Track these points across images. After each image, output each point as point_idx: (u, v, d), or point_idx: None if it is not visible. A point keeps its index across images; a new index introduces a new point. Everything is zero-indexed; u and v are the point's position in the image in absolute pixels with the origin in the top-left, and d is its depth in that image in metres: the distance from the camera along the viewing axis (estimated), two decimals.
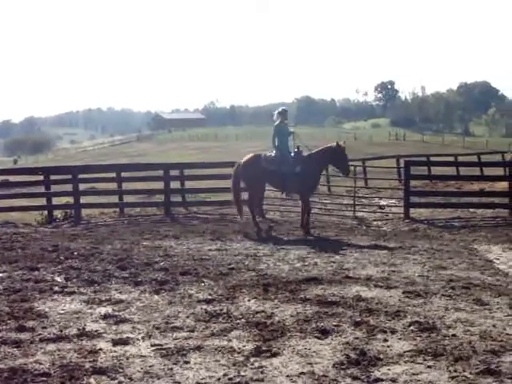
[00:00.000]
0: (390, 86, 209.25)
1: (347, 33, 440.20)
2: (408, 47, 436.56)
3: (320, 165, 16.01)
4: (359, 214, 19.82)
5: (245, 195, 16.62)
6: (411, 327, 7.11)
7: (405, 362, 5.99)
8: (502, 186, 22.47)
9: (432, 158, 34.10)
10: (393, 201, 22.38)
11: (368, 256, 11.94)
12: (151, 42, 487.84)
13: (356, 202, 21.13)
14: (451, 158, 35.68)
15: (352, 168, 23.00)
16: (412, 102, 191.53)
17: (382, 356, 6.14)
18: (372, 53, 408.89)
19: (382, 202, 22.83)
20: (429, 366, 5.87)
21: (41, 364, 5.95)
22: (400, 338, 6.73)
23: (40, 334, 6.94)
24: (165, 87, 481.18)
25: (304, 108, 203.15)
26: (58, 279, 9.92)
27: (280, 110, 16.11)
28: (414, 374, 5.68)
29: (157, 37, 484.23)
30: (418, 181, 25.99)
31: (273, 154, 15.66)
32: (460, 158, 36.02)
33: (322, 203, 22.09)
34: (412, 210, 18.72)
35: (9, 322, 7.45)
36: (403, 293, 8.78)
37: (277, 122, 15.83)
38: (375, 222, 18.22)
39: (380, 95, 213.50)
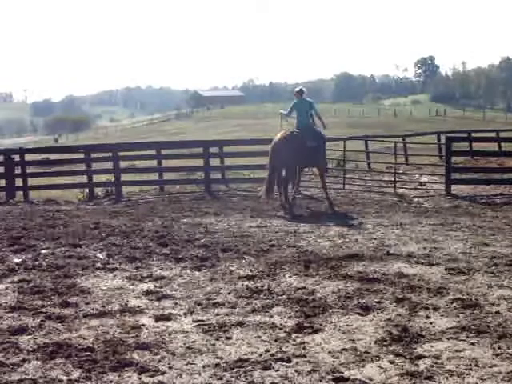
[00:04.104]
0: (430, 62, 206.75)
1: (387, 8, 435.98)
2: (449, 22, 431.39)
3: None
4: (400, 191, 19.66)
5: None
6: (454, 304, 7.05)
7: (448, 339, 5.94)
8: None
9: (473, 134, 33.55)
10: (434, 177, 22.12)
11: (409, 233, 11.85)
12: (190, 20, 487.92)
13: (396, 179, 20.96)
14: (493, 134, 35.16)
15: (392, 144, 22.98)
16: (453, 77, 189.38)
17: (424, 333, 6.10)
18: (412, 28, 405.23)
19: (423, 179, 22.58)
20: (472, 343, 5.82)
21: (85, 339, 6.01)
22: (442, 315, 6.67)
23: (83, 310, 7.01)
24: (204, 65, 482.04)
25: (343, 84, 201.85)
26: (100, 256, 10.01)
27: (297, 89, 16.25)
28: (457, 351, 5.63)
29: (196, 16, 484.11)
30: (459, 157, 25.68)
31: (296, 131, 15.63)
32: (502, 134, 35.42)
33: (362, 180, 21.98)
34: (453, 187, 18.57)
35: (53, 297, 7.54)
36: (445, 269, 8.71)
37: (295, 101, 15.99)
38: (416, 199, 18.07)
39: (420, 71, 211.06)
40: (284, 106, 17.46)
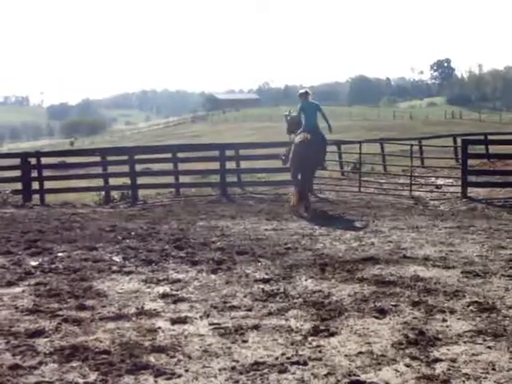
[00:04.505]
0: (446, 64, 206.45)
1: (403, 10, 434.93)
2: (465, 24, 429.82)
3: None
4: (416, 194, 19.63)
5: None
6: (470, 307, 7.01)
7: (464, 343, 5.90)
8: None
9: (490, 137, 33.40)
10: (450, 180, 22.08)
11: (425, 236, 11.81)
12: (207, 23, 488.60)
13: (412, 182, 20.91)
14: (510, 137, 34.99)
15: (408, 147, 22.95)
16: (469, 80, 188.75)
17: (440, 336, 6.07)
18: (428, 30, 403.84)
19: (439, 182, 22.55)
20: (489, 347, 5.78)
21: (101, 342, 6.01)
22: (459, 318, 6.64)
23: (100, 313, 7.01)
24: (220, 68, 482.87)
25: (358, 87, 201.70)
26: (116, 259, 10.02)
27: (303, 91, 16.20)
28: (473, 355, 5.59)
29: (213, 18, 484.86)
30: (475, 160, 25.56)
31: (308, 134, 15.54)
32: None
33: (378, 183, 21.95)
34: (469, 190, 18.48)
35: (69, 300, 7.55)
36: (462, 273, 8.66)
37: (300, 104, 15.93)
38: (432, 202, 18.03)
39: (436, 73, 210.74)
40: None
